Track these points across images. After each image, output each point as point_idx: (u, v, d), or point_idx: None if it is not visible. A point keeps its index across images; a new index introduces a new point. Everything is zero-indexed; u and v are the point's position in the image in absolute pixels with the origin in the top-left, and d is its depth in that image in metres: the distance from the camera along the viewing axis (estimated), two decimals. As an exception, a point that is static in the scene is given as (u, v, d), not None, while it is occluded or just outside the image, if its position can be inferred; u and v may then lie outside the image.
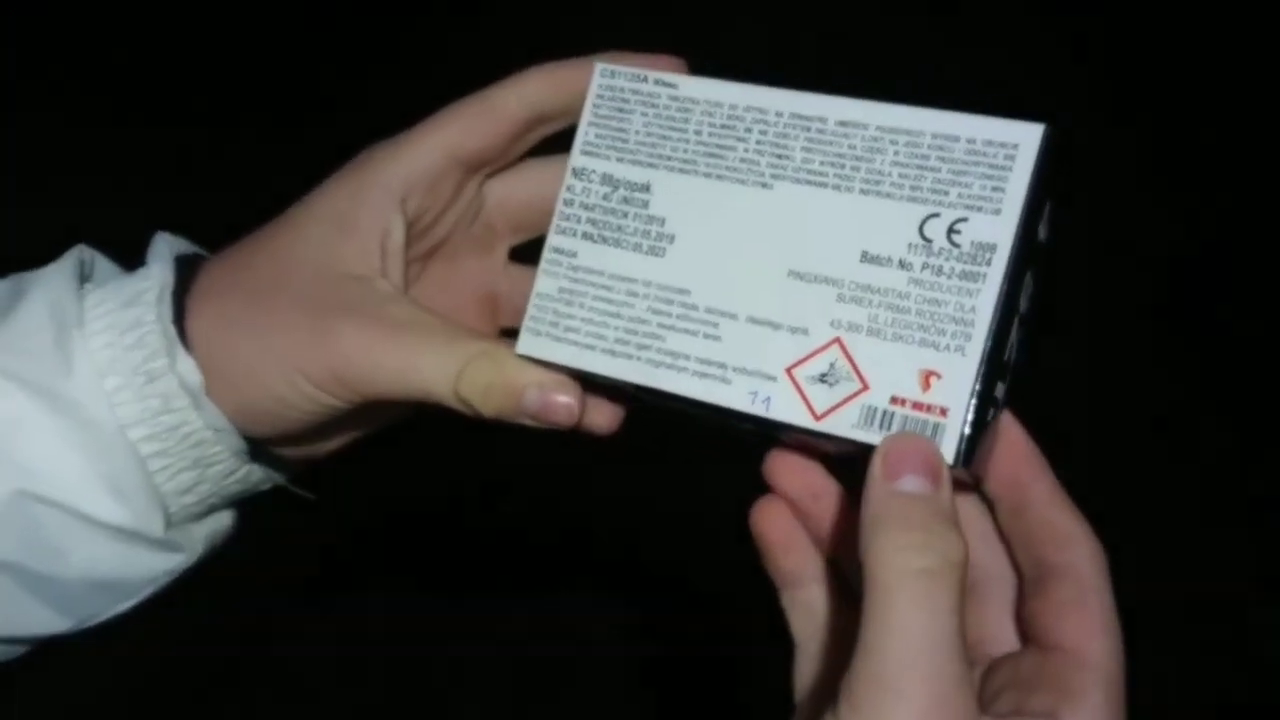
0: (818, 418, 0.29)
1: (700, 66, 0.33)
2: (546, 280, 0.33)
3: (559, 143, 0.35)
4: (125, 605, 0.34)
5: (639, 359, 0.31)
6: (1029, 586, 0.30)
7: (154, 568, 0.33)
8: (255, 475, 0.35)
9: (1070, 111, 0.31)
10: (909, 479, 0.26)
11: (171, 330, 0.32)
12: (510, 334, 0.38)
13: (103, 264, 0.36)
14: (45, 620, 0.33)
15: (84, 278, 0.35)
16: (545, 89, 0.34)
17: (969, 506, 0.32)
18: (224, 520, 0.36)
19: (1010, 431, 0.31)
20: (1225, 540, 1.15)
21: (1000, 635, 0.31)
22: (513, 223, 0.38)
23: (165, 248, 0.34)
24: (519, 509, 1.11)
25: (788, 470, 0.32)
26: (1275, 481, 1.17)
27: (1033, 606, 0.29)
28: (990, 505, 0.32)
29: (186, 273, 0.34)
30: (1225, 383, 1.26)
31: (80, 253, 0.35)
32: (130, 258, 0.36)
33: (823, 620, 0.32)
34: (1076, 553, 0.29)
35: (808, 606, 0.32)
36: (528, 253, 0.36)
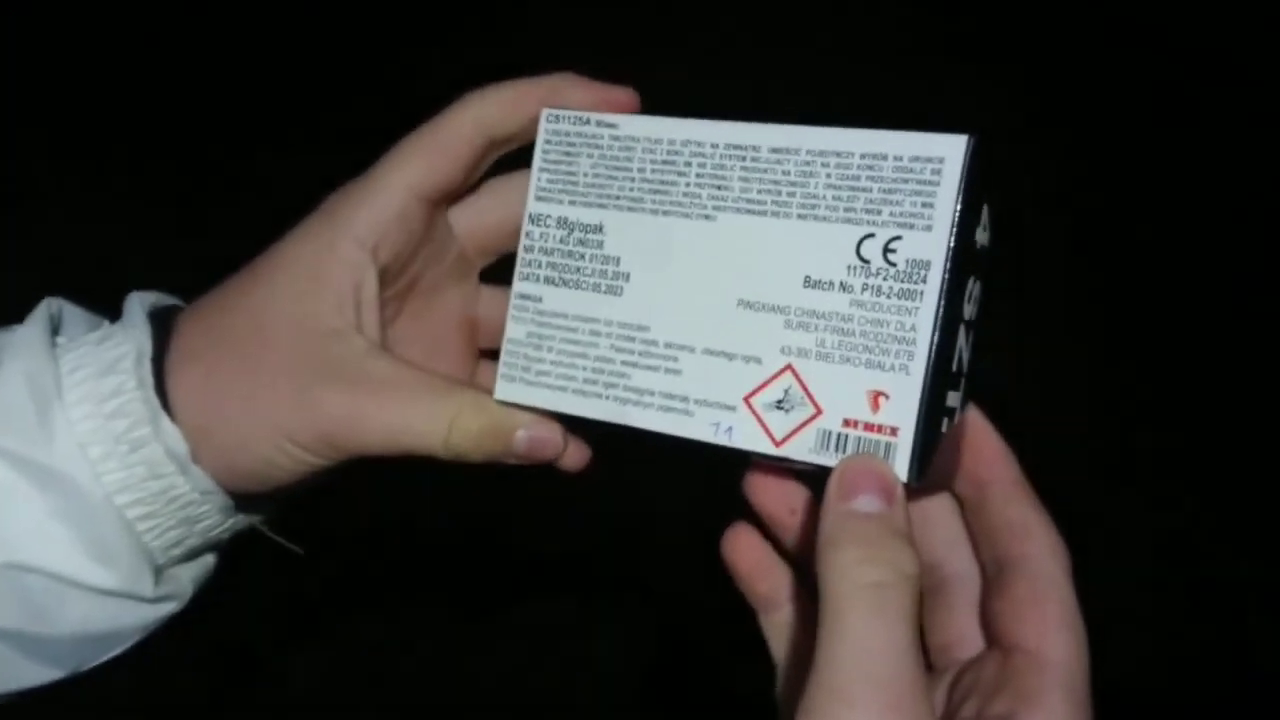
0: (778, 444, 0.30)
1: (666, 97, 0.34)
2: (515, 326, 0.34)
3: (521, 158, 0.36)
4: (117, 651, 0.34)
5: (607, 397, 0.32)
6: (991, 584, 0.30)
7: (144, 618, 0.34)
8: (241, 523, 0.36)
9: (999, 120, 0.31)
10: (863, 499, 0.27)
11: (154, 399, 0.32)
12: (491, 355, 0.39)
13: (72, 312, 0.35)
14: (39, 674, 0.34)
15: (55, 330, 0.34)
16: (497, 112, 0.34)
17: (940, 508, 0.32)
18: (209, 561, 0.37)
19: (976, 429, 0.31)
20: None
21: (969, 638, 0.31)
22: (482, 246, 0.38)
23: (138, 307, 0.34)
24: (518, 519, 1.12)
25: (765, 488, 0.33)
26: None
27: (994, 606, 0.30)
28: (960, 504, 0.32)
29: (162, 332, 0.34)
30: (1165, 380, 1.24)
31: (49, 306, 0.35)
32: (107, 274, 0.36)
33: (799, 639, 0.33)
34: (1035, 546, 0.29)
35: (785, 627, 0.33)
36: (505, 274, 0.36)
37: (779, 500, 0.33)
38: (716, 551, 0.34)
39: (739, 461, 0.33)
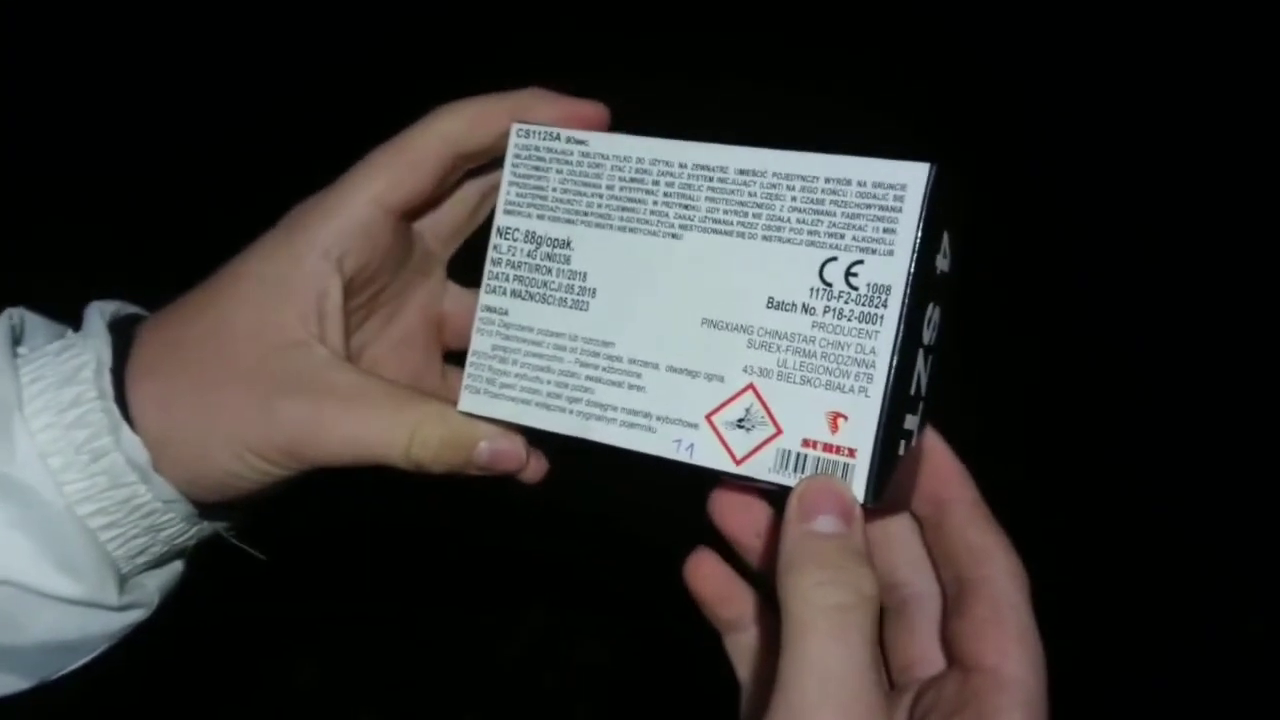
0: (738, 462, 0.30)
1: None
2: (481, 339, 0.34)
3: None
4: (85, 660, 0.34)
5: (571, 411, 0.32)
6: (951, 605, 0.31)
7: (111, 626, 0.34)
8: (206, 530, 0.36)
9: (962, 146, 0.31)
10: (822, 519, 0.27)
11: (114, 409, 0.32)
12: (455, 357, 0.39)
13: (33, 321, 0.35)
14: (6, 683, 0.34)
15: (16, 340, 0.34)
16: (465, 127, 0.34)
17: (900, 528, 0.33)
18: (176, 568, 0.36)
19: (934, 451, 0.32)
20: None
21: (930, 657, 0.32)
22: (443, 239, 0.38)
23: (98, 317, 0.34)
24: (515, 522, 1.12)
25: (729, 511, 0.33)
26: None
27: (954, 626, 0.30)
28: (920, 525, 0.33)
29: (123, 342, 0.34)
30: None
31: (9, 318, 0.34)
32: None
33: (763, 660, 0.33)
34: (993, 568, 0.30)
35: (749, 649, 0.34)
36: (472, 272, 0.36)
37: (744, 524, 0.33)
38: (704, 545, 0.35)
39: (702, 478, 0.34)
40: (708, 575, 0.34)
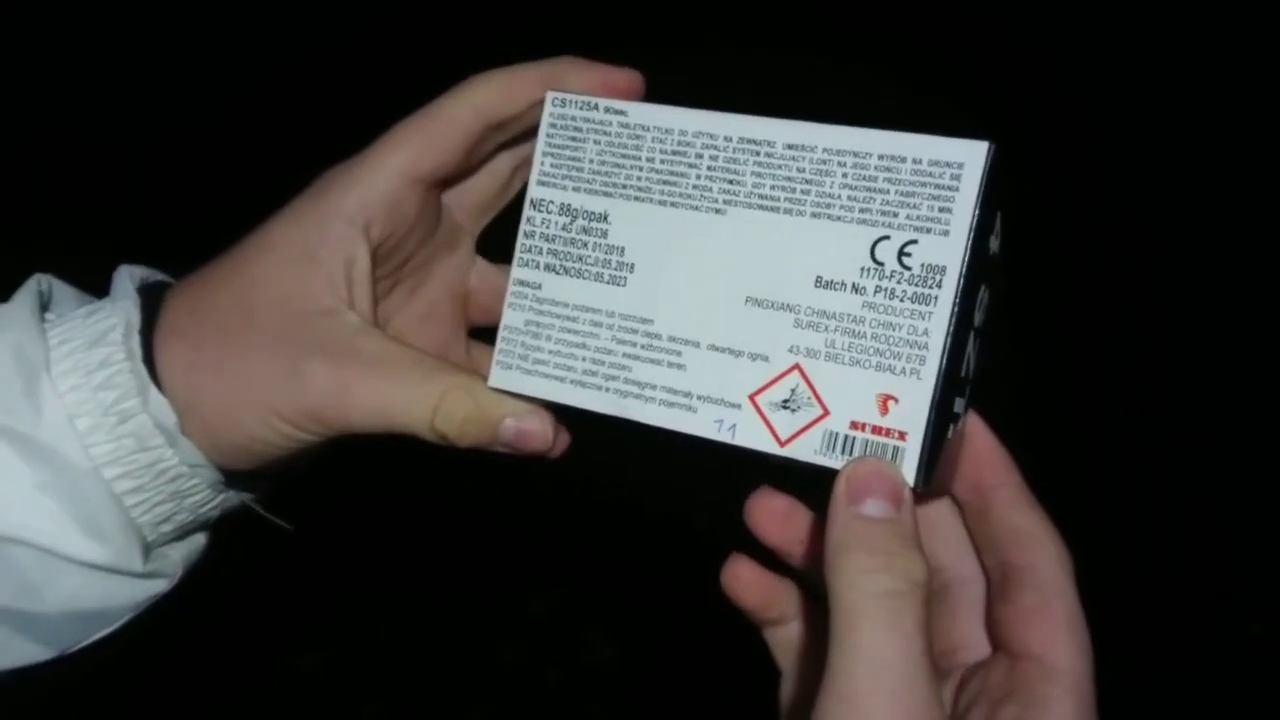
0: (782, 444, 0.29)
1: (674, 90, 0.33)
2: (513, 314, 0.33)
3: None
4: (107, 631, 0.34)
5: (607, 389, 0.32)
6: (995, 591, 0.31)
7: (135, 595, 0.33)
8: (232, 500, 0.35)
9: (1009, 128, 0.31)
10: (871, 503, 0.27)
11: (142, 370, 0.32)
12: (480, 334, 0.38)
13: (62, 290, 0.35)
14: (29, 652, 0.33)
15: (44, 307, 0.34)
16: (496, 97, 0.33)
17: (941, 512, 0.32)
18: (200, 541, 0.36)
19: (976, 436, 0.31)
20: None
21: (973, 642, 0.31)
22: (472, 213, 0.38)
23: (127, 281, 0.34)
24: (522, 513, 1.12)
25: (770, 520, 0.33)
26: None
27: (1000, 613, 0.30)
28: (961, 509, 0.32)
29: (151, 305, 0.33)
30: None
31: (38, 283, 0.34)
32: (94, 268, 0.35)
33: (804, 648, 0.33)
34: (1040, 555, 0.30)
35: (788, 640, 0.33)
36: (501, 248, 0.36)
37: (785, 535, 0.33)
38: (718, 548, 0.34)
39: (741, 463, 0.33)
40: (748, 583, 0.33)
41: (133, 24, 1.42)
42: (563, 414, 0.33)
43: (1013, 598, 0.30)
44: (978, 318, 0.29)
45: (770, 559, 0.34)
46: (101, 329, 0.32)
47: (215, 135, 1.38)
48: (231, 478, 0.34)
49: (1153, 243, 1.35)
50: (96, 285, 0.35)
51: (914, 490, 0.28)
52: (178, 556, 0.35)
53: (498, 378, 0.33)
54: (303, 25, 1.46)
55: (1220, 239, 1.33)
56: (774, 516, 0.33)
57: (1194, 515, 1.20)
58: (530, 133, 0.34)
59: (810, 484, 0.30)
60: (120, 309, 0.33)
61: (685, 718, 1.06)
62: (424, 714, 1.10)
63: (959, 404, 0.29)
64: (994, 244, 0.29)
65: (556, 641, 1.14)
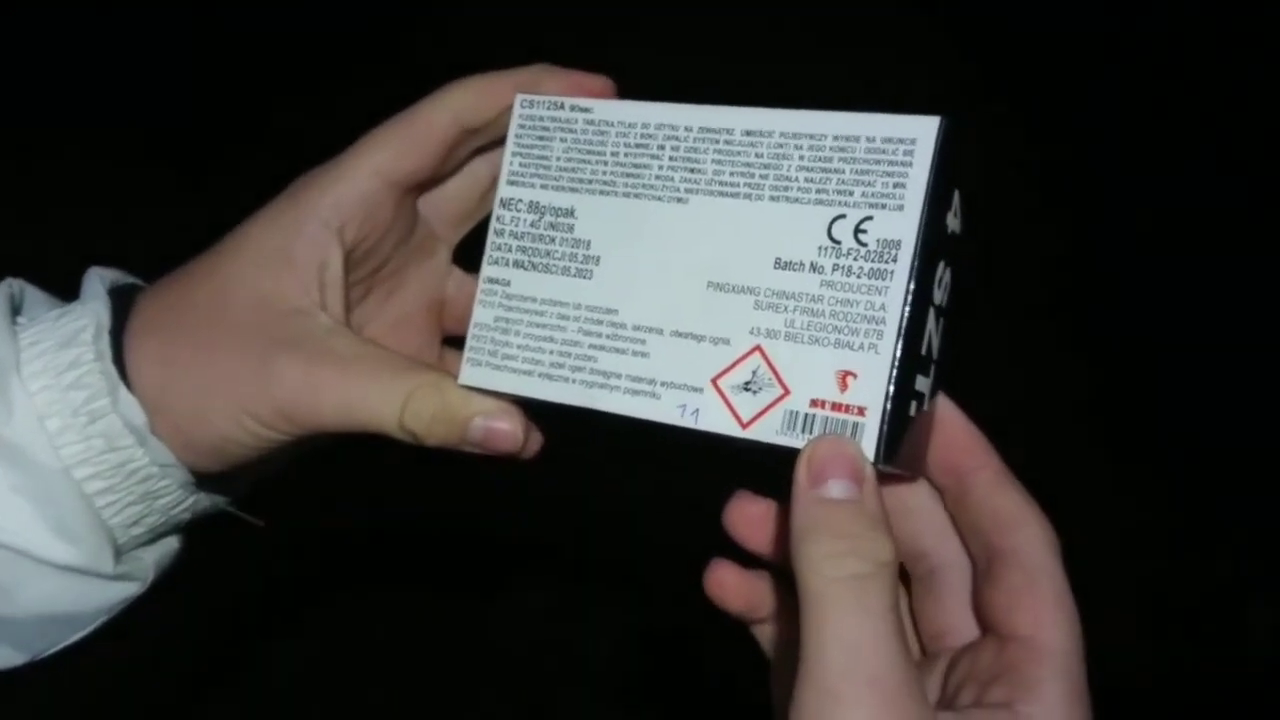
0: (744, 426, 0.29)
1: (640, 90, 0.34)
2: (483, 310, 0.33)
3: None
4: (80, 635, 0.34)
5: (574, 381, 0.32)
6: (981, 573, 0.30)
7: (107, 598, 0.33)
8: (203, 502, 0.35)
9: (964, 107, 0.31)
10: (833, 484, 0.26)
11: (112, 370, 0.32)
12: (455, 342, 0.38)
13: (33, 294, 0.35)
14: (1, 656, 0.33)
15: (15, 310, 0.34)
16: (472, 102, 0.34)
17: (921, 497, 0.32)
18: (172, 544, 0.36)
19: (949, 419, 0.31)
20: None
21: (961, 626, 0.31)
22: (450, 222, 0.38)
23: (98, 282, 0.34)
24: (510, 510, 1.11)
25: (748, 525, 0.33)
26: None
27: (987, 595, 0.29)
28: (941, 494, 0.32)
29: (122, 307, 0.33)
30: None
31: (9, 286, 0.34)
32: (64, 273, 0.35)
33: (790, 638, 0.32)
34: (1024, 536, 0.29)
35: (776, 633, 0.33)
36: (477, 259, 0.36)
37: (763, 538, 0.32)
38: (708, 544, 0.34)
39: (712, 449, 0.33)
40: (732, 586, 0.33)
41: (118, 25, 1.46)
42: (535, 410, 0.33)
43: (999, 580, 0.29)
44: (938, 296, 0.29)
45: (752, 557, 0.34)
46: (71, 330, 0.32)
47: (193, 136, 1.40)
48: (203, 479, 0.34)
49: (1142, 235, 1.34)
50: (74, 289, 0.36)
51: (875, 466, 0.27)
52: (150, 560, 0.35)
53: (468, 375, 0.33)
54: (299, 25, 1.49)
55: (1203, 223, 1.32)
56: (751, 522, 0.33)
57: (1194, 515, 1.17)
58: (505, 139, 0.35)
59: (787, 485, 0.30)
60: (90, 310, 0.33)
61: (683, 708, 1.04)
62: (425, 700, 1.09)
63: (922, 382, 0.29)
64: (953, 222, 0.29)
65: (554, 632, 1.13)
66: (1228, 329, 1.27)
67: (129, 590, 0.34)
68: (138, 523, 0.34)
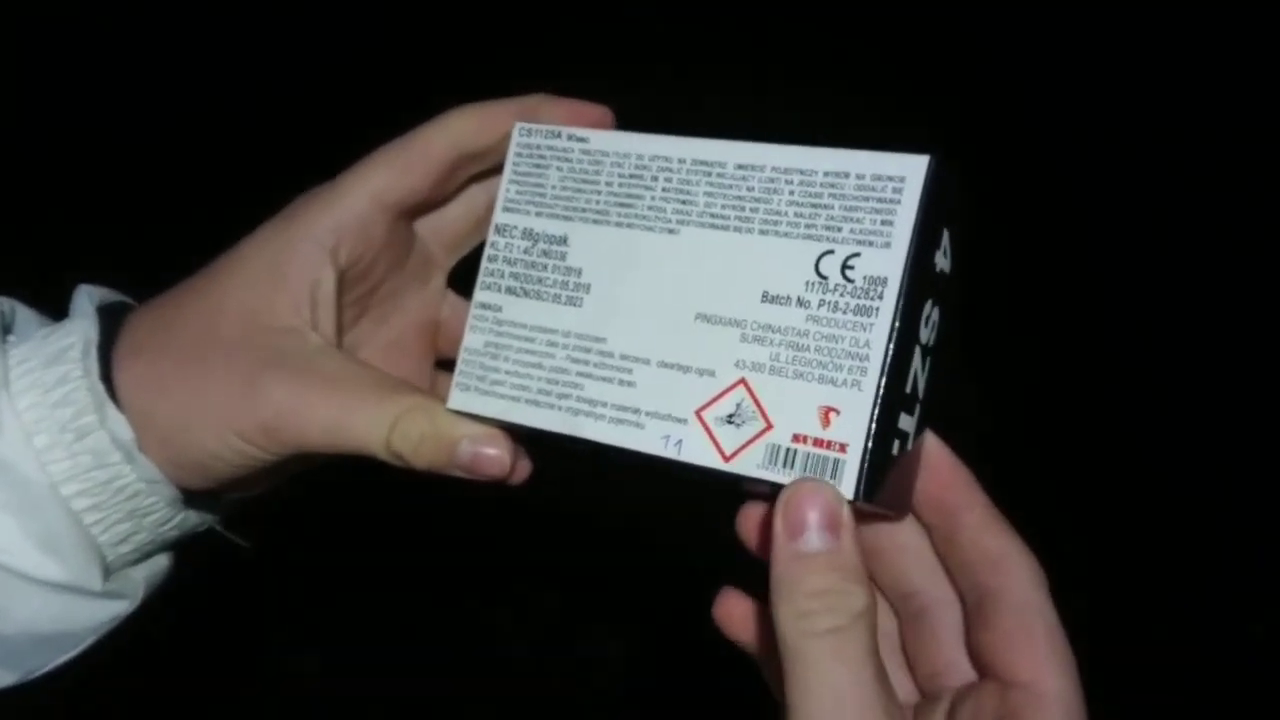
0: (727, 459, 0.29)
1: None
2: (474, 336, 0.33)
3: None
4: (70, 655, 0.33)
5: (559, 408, 0.32)
6: (972, 613, 0.30)
7: (96, 617, 0.33)
8: (191, 520, 0.35)
9: (955, 145, 0.31)
10: (810, 536, 0.26)
11: (99, 386, 0.32)
12: (448, 365, 0.39)
13: (24, 313, 0.35)
14: None
15: (5, 329, 0.34)
16: (471, 128, 0.34)
17: (910, 535, 0.32)
18: (162, 563, 0.36)
19: (936, 457, 0.31)
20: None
21: (956, 664, 0.31)
22: (447, 246, 0.38)
23: (87, 300, 0.34)
24: (522, 513, 1.11)
25: (758, 527, 0.32)
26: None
27: (981, 638, 0.29)
28: (929, 532, 0.32)
29: (111, 325, 0.34)
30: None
31: None
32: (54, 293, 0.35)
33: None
34: (1013, 575, 0.29)
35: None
36: (469, 284, 0.36)
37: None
38: (720, 546, 0.34)
39: (701, 481, 0.33)
40: (739, 616, 0.33)
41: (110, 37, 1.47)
42: (522, 436, 0.33)
43: (992, 622, 0.29)
44: (925, 334, 0.29)
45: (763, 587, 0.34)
46: (60, 347, 0.32)
47: (196, 152, 1.41)
48: (191, 497, 0.34)
49: (1126, 250, 1.34)
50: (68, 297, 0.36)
51: (855, 503, 0.27)
52: (139, 577, 0.35)
53: (456, 399, 0.33)
54: (296, 44, 1.50)
55: (1190, 243, 1.31)
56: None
57: (1190, 515, 1.16)
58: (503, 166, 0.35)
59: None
60: (78, 327, 0.33)
61: (689, 713, 1.04)
62: (428, 708, 1.09)
63: (906, 420, 0.29)
64: (942, 261, 0.29)
65: (557, 640, 1.12)
66: (1219, 336, 1.26)
67: (118, 608, 0.34)
68: (126, 540, 0.34)
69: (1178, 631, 1.09)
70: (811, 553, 0.26)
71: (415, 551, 1.16)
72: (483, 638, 1.13)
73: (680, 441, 0.30)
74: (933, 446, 0.31)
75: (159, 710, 1.02)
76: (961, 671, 0.31)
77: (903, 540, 0.32)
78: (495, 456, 0.33)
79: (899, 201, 0.28)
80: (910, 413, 0.29)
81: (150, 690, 0.97)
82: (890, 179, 0.28)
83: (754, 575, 0.34)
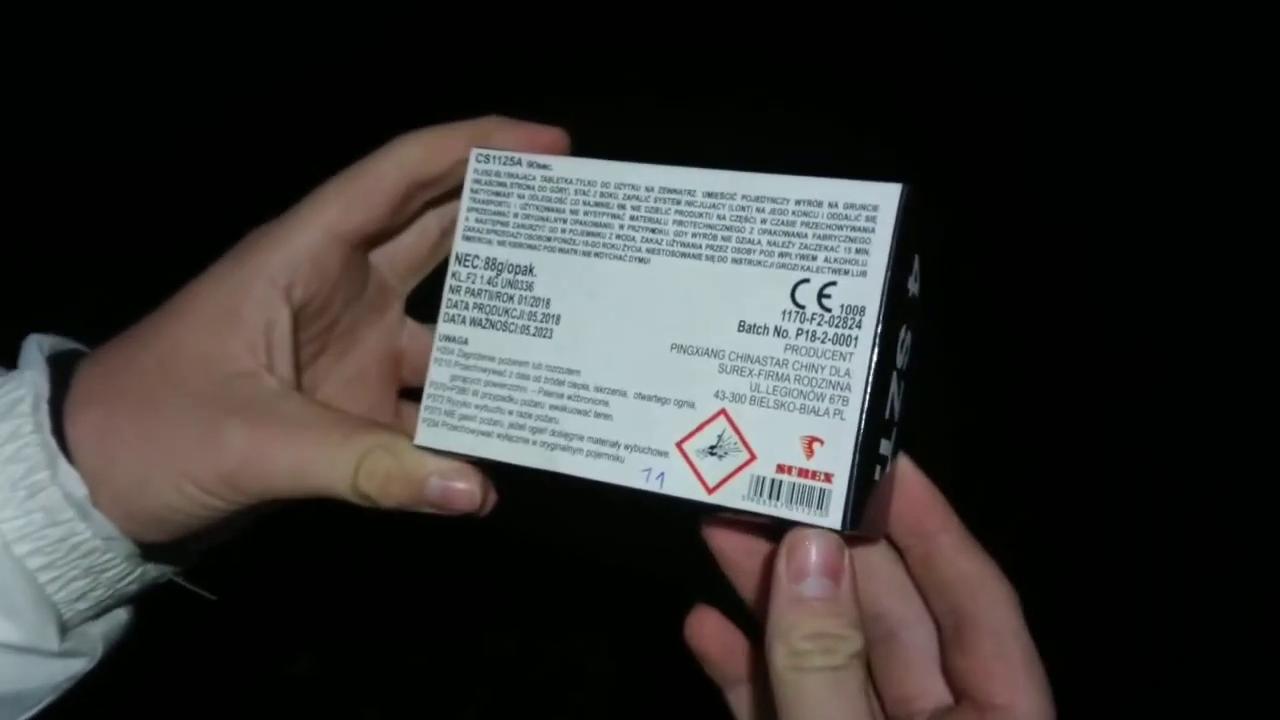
0: (710, 491, 0.29)
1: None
2: (439, 369, 0.33)
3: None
4: (27, 716, 0.33)
5: (534, 443, 0.31)
6: (948, 636, 0.31)
7: (54, 677, 0.32)
8: (151, 573, 0.34)
9: (924, 172, 0.32)
10: (811, 581, 0.27)
11: (51, 442, 0.31)
12: (412, 394, 0.38)
13: None
14: None
15: None
16: (422, 155, 0.33)
17: (880, 557, 0.32)
18: (121, 617, 0.35)
19: (909, 480, 0.31)
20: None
21: (929, 688, 0.31)
22: (402, 273, 0.37)
23: (37, 350, 0.33)
24: (522, 514, 1.10)
25: (723, 528, 0.33)
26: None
27: (959, 662, 0.30)
28: (901, 554, 0.32)
29: (62, 375, 0.32)
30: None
31: None
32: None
33: (768, 705, 0.32)
34: (989, 599, 0.30)
35: (752, 702, 0.33)
36: (430, 308, 0.35)
37: (736, 543, 0.33)
38: (705, 552, 0.34)
39: (671, 511, 0.33)
40: (711, 632, 0.33)
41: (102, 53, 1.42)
42: (494, 471, 0.33)
43: (969, 646, 0.30)
44: (900, 359, 0.29)
45: (738, 610, 0.34)
46: (9, 401, 0.31)
47: (169, 173, 1.37)
48: (150, 550, 0.33)
49: (1104, 271, 1.38)
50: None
51: (841, 533, 0.27)
52: (97, 634, 0.34)
53: (423, 435, 0.32)
54: (284, 53, 1.46)
55: (1167, 264, 1.36)
56: (727, 524, 0.33)
57: (1189, 514, 1.20)
58: (458, 191, 0.34)
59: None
60: (29, 380, 0.32)
61: (676, 713, 1.05)
62: (420, 714, 1.09)
63: (885, 445, 0.29)
64: (913, 286, 0.30)
65: (548, 643, 1.13)
66: (1213, 340, 1.30)
67: (76, 667, 0.33)
68: (83, 597, 0.32)
69: (1177, 631, 1.12)
70: (812, 597, 0.27)
71: (404, 557, 1.15)
72: (469, 644, 1.13)
73: (662, 475, 0.30)
74: (906, 469, 0.31)
75: (157, 711, 0.99)
76: (935, 696, 0.31)
77: (872, 560, 0.32)
78: (465, 491, 0.32)
79: (873, 230, 0.28)
80: (888, 437, 0.29)
81: (144, 693, 0.94)
82: (864, 208, 0.29)
83: (730, 594, 0.34)
